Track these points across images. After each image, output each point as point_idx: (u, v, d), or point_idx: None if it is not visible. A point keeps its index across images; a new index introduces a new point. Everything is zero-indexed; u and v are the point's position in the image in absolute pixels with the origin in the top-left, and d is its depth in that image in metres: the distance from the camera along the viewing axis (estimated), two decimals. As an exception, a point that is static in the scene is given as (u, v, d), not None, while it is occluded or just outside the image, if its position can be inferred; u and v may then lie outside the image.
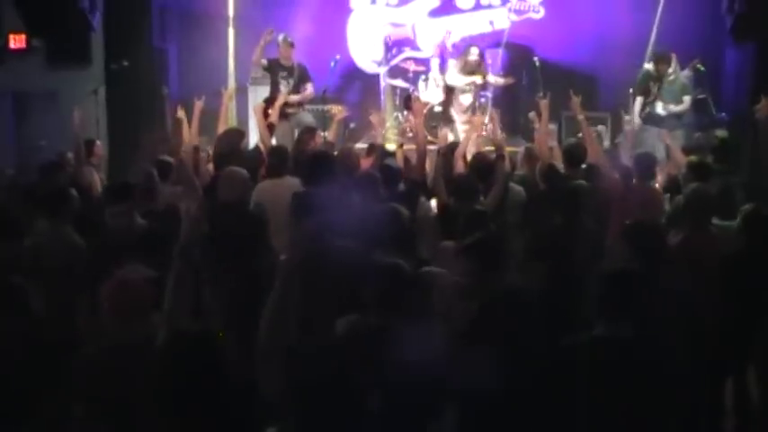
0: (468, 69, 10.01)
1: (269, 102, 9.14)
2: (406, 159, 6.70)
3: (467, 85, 10.01)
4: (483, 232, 4.37)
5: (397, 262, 3.60)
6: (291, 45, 9.40)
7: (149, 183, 5.68)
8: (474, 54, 10.03)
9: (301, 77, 9.42)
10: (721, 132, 9.42)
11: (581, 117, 6.89)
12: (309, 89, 9.45)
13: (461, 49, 10.68)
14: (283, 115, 8.77)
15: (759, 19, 9.65)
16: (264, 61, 9.38)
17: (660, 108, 9.20)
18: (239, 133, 7.27)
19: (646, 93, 9.30)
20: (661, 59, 9.30)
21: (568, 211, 5.17)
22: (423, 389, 3.15)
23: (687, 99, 9.31)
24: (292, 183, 5.66)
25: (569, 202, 5.22)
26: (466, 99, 10.06)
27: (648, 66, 9.57)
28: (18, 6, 8.42)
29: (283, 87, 9.21)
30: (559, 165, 6.48)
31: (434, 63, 11.24)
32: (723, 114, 9.93)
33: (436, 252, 4.92)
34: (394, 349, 3.20)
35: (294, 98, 9.21)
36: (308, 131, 7.67)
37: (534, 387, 3.22)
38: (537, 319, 3.48)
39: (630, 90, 9.72)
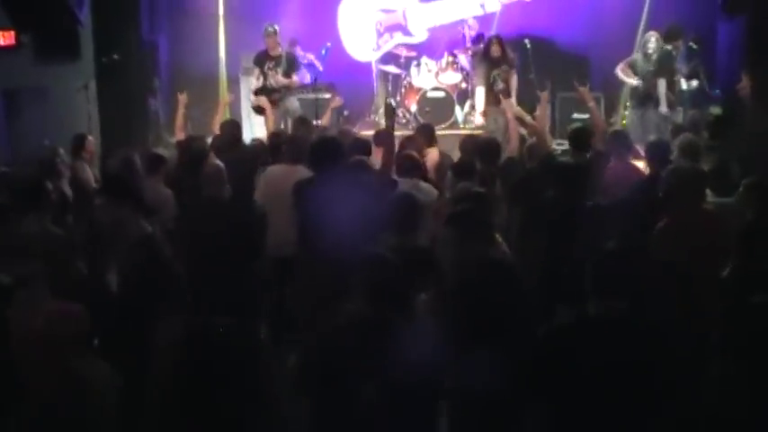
0: (493, 63, 9.70)
1: (259, 93, 9.26)
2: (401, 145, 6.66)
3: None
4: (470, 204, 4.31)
5: (381, 253, 3.55)
6: (275, 33, 9.48)
7: (128, 169, 5.44)
8: (496, 52, 9.68)
9: (290, 66, 9.54)
10: (715, 109, 9.39)
11: (591, 104, 7.18)
12: (294, 78, 9.56)
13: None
14: (271, 102, 8.81)
15: (749, -9, 9.61)
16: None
17: (684, 85, 9.32)
18: (237, 125, 7.26)
19: (672, 72, 9.36)
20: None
21: (563, 186, 5.11)
22: (416, 379, 3.12)
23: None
24: (305, 172, 5.50)
25: (562, 178, 5.18)
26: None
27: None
28: (4, 3, 8.33)
29: (271, 78, 9.28)
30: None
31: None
32: (717, 91, 9.89)
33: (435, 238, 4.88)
34: (387, 340, 3.18)
35: (282, 80, 9.28)
36: (302, 122, 7.65)
37: (517, 365, 3.18)
38: (518, 292, 3.43)
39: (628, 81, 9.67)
